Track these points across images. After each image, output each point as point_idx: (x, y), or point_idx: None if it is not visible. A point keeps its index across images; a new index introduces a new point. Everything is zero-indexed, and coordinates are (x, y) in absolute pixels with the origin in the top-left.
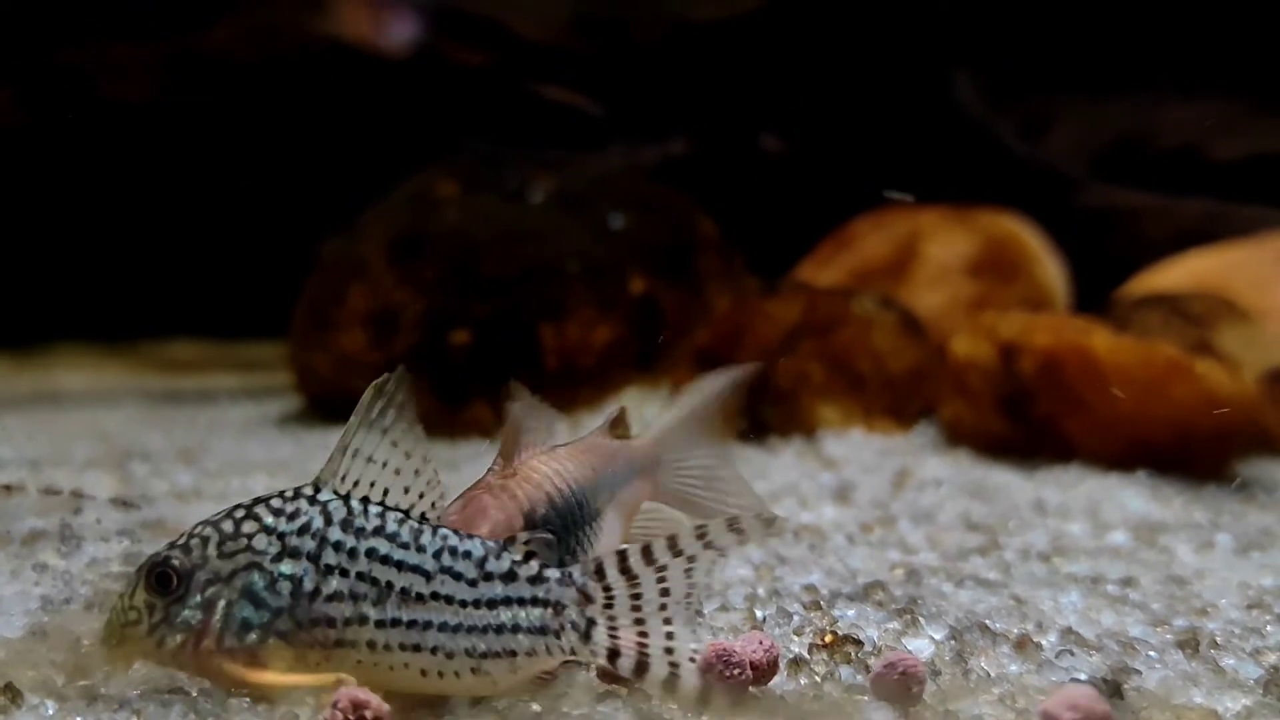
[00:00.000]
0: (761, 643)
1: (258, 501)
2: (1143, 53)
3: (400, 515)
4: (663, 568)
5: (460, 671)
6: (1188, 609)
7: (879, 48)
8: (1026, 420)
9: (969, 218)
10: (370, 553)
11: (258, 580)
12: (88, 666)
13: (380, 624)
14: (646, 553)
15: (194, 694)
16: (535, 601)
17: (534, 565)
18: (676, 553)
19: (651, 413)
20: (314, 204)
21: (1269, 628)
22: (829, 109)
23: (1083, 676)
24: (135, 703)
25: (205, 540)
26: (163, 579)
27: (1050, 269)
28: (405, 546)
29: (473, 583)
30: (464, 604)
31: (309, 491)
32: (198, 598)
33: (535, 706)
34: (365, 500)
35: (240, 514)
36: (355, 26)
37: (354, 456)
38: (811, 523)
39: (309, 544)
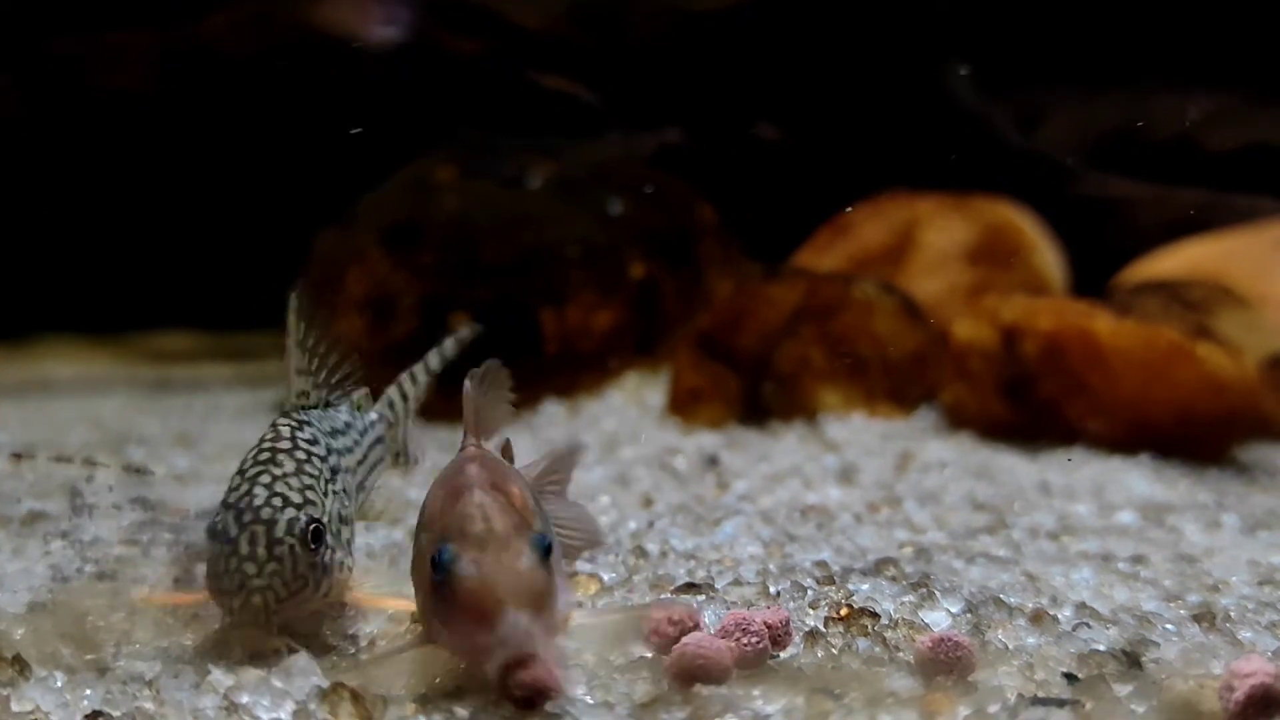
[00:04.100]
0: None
1: (291, 446)
2: (1138, 42)
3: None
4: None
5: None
6: (1200, 585)
7: (875, 37)
8: (1029, 403)
9: (967, 205)
10: (355, 444)
11: (345, 505)
12: (96, 639)
13: (362, 488)
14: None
15: (205, 663)
16: (379, 440)
17: (371, 415)
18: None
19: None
20: (308, 194)
21: None
22: (826, 97)
23: (1102, 647)
24: (146, 674)
25: (307, 488)
26: (317, 535)
27: (1048, 256)
28: (348, 429)
29: (361, 435)
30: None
31: (300, 415)
32: (329, 539)
33: None
34: (320, 404)
35: (301, 456)
36: (350, 15)
37: (299, 375)
38: (817, 503)
39: (344, 453)
